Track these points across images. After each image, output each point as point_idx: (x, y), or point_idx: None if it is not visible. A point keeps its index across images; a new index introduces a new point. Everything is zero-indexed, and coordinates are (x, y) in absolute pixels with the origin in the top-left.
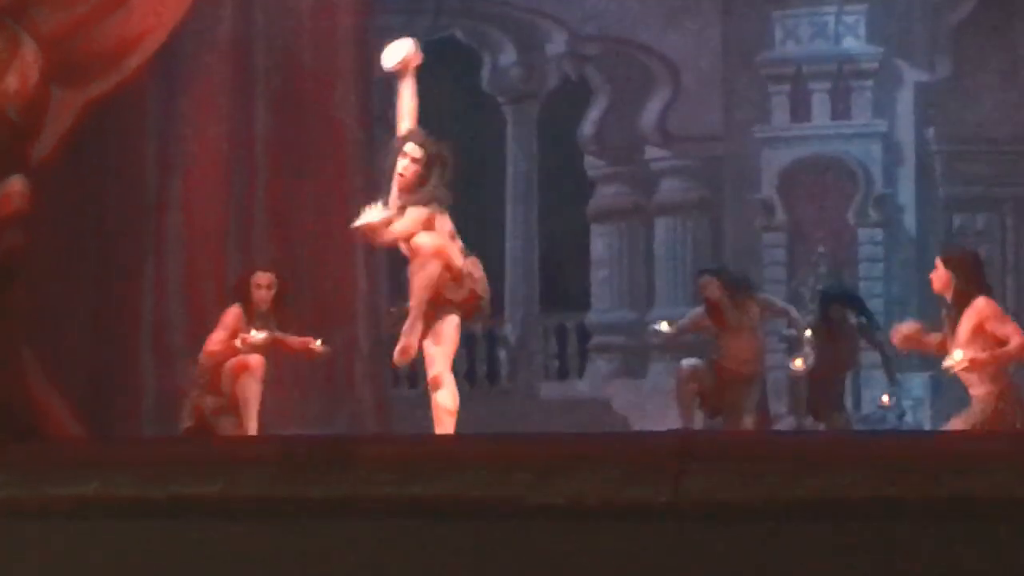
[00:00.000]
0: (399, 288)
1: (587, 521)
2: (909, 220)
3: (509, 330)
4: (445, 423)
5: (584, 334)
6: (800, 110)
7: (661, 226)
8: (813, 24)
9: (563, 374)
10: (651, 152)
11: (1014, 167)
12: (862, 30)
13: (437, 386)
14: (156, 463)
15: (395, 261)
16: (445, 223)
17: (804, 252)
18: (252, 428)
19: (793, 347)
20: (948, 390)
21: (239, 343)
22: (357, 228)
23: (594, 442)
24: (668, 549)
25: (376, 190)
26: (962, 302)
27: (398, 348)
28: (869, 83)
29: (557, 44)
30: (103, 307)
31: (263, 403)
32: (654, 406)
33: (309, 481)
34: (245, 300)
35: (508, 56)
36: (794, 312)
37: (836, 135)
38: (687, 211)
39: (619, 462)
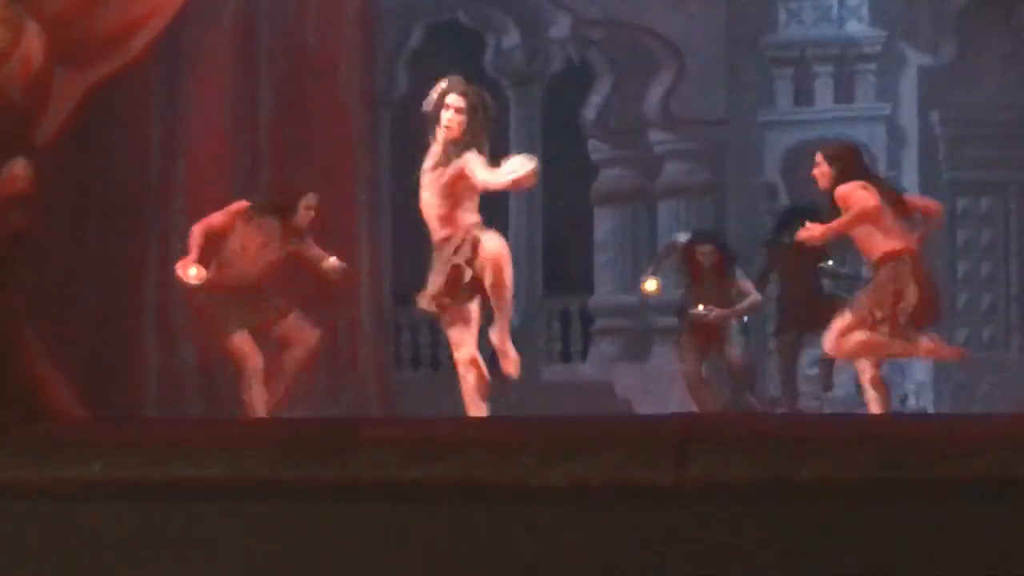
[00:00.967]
0: (401, 271)
1: (590, 504)
2: None
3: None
4: (478, 404)
5: (587, 317)
6: (803, 94)
7: (665, 209)
8: (817, 7)
9: (566, 357)
10: (655, 135)
11: (1018, 151)
12: (865, 13)
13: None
14: (159, 445)
15: (396, 243)
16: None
17: None
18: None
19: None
20: (951, 375)
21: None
22: (522, 178)
23: (597, 425)
24: (671, 532)
25: (379, 172)
26: None
27: (511, 361)
28: (873, 66)
29: (561, 27)
30: (107, 288)
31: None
32: (657, 389)
33: (312, 463)
34: (286, 214)
35: (512, 39)
36: (755, 303)
37: (840, 119)
38: (691, 195)
39: (622, 445)
